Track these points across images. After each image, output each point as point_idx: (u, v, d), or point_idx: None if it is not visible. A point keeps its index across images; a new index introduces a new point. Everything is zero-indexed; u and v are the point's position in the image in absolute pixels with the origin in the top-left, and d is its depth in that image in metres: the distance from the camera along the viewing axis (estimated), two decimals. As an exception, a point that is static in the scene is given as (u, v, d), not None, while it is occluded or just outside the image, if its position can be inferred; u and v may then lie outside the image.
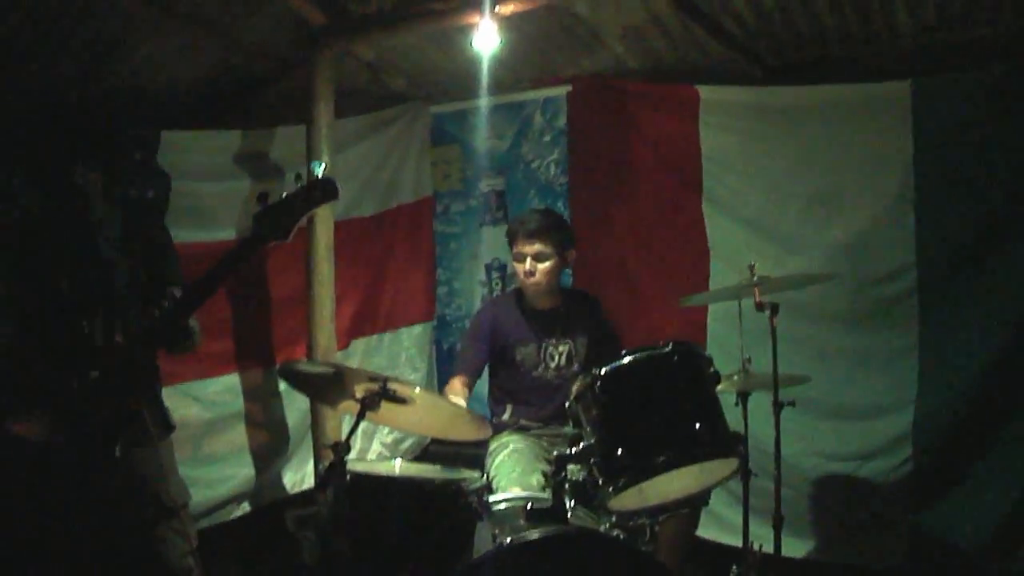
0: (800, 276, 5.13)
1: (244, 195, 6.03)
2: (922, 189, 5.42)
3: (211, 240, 5.71)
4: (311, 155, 5.86)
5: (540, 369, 5.12)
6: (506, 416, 5.07)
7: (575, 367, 5.10)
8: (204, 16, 5.45)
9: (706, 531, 5.44)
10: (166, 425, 4.14)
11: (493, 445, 4.94)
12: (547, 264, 5.02)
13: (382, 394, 3.72)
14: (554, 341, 5.13)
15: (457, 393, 5.02)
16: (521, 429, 5.03)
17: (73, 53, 5.29)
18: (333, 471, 3.68)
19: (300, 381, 4.39)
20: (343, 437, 3.73)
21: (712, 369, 3.84)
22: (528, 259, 5.02)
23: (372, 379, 3.73)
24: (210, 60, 5.96)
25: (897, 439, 5.52)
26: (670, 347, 3.75)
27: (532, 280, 5.05)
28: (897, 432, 5.52)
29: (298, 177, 3.75)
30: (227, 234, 5.87)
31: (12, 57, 5.11)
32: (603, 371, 3.68)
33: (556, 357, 5.13)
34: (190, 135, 5.84)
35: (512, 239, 5.13)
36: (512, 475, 4.61)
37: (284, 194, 3.62)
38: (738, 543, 4.90)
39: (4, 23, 4.87)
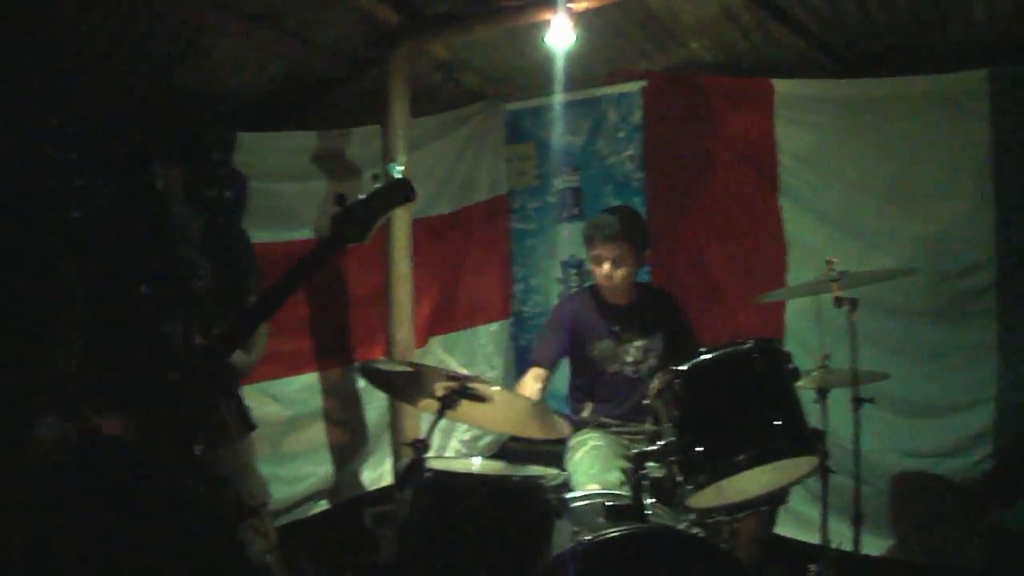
0: (879, 271, 5.06)
1: (320, 195, 6.07)
2: (1001, 181, 5.32)
3: (288, 240, 5.77)
4: (387, 154, 5.88)
5: (617, 365, 5.10)
6: (586, 413, 5.05)
7: (652, 363, 5.08)
8: (277, 17, 5.47)
9: (784, 529, 5.40)
10: (247, 424, 4.18)
11: (572, 442, 4.94)
12: (625, 269, 5.02)
13: (462, 392, 3.73)
14: (630, 337, 5.12)
15: (529, 387, 5.05)
16: (600, 426, 5.01)
17: (149, 55, 5.33)
18: (413, 469, 3.69)
19: (380, 379, 4.42)
20: (422, 434, 3.74)
21: (792, 365, 3.82)
22: (606, 263, 5.02)
23: (452, 378, 3.74)
24: (284, 61, 5.99)
25: (976, 436, 5.43)
26: (751, 344, 3.73)
27: (610, 283, 5.05)
28: (976, 429, 5.43)
29: (375, 178, 3.76)
30: (304, 234, 5.91)
31: (90, 58, 5.17)
32: (683, 368, 3.66)
33: (633, 353, 5.11)
34: (266, 136, 5.89)
35: (589, 242, 5.11)
36: (591, 472, 4.61)
37: (362, 195, 3.63)
38: (816, 541, 4.88)
39: (82, 25, 4.92)
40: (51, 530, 1.42)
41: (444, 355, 6.92)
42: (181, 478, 1.62)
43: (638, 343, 5.12)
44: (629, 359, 5.11)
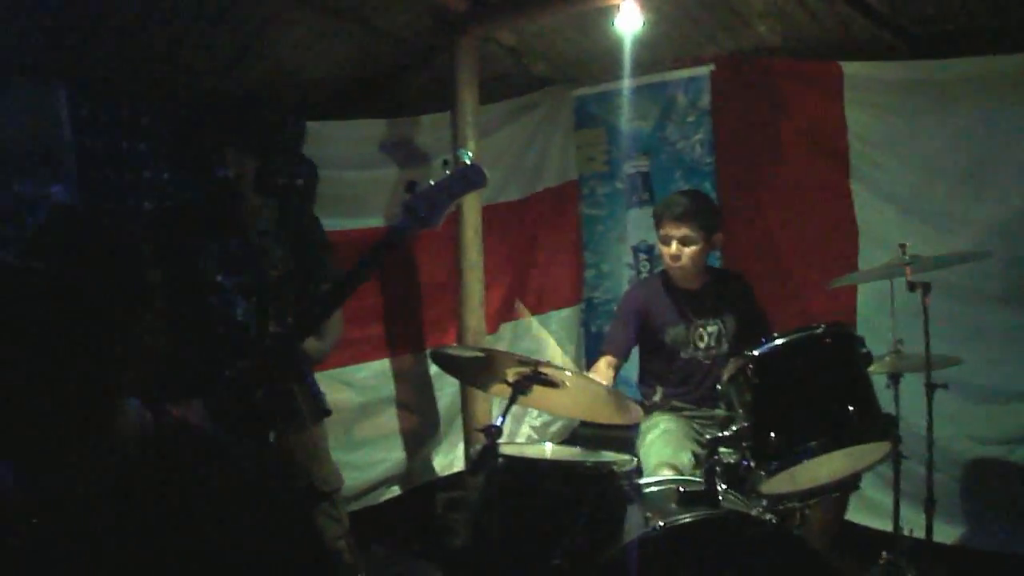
0: (952, 255, 5.00)
1: (390, 183, 6.10)
2: (1076, 164, 5.24)
3: (358, 228, 5.81)
4: (456, 142, 5.89)
5: (690, 350, 5.08)
6: (657, 397, 5.02)
7: (724, 347, 5.06)
8: (344, 6, 5.50)
9: (855, 515, 5.39)
10: (321, 411, 4.21)
11: (644, 426, 4.93)
12: (693, 248, 4.98)
13: (534, 378, 3.73)
14: (702, 322, 5.09)
15: (602, 373, 5.03)
16: (672, 410, 5.00)
17: (218, 44, 5.39)
18: (486, 454, 3.70)
19: (451, 365, 4.43)
20: (493, 420, 3.74)
21: (864, 350, 3.80)
22: (674, 242, 4.98)
23: (524, 363, 3.75)
24: (352, 49, 6.02)
25: (1051, 423, 5.37)
26: (823, 329, 3.72)
27: (678, 264, 5.01)
28: (1051, 416, 5.36)
29: (446, 164, 3.76)
30: (375, 221, 5.96)
31: (159, 48, 5.23)
32: (757, 353, 3.66)
33: (705, 338, 5.09)
34: (335, 124, 5.95)
35: (658, 222, 5.10)
36: (663, 455, 4.61)
37: (432, 182, 3.64)
38: (888, 528, 4.86)
39: (152, 15, 4.97)
40: (137, 518, 1.44)
41: (515, 341, 6.92)
42: (261, 464, 1.63)
43: (711, 328, 5.10)
44: (702, 344, 5.08)
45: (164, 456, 1.56)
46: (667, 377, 5.12)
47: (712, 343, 5.08)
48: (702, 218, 4.99)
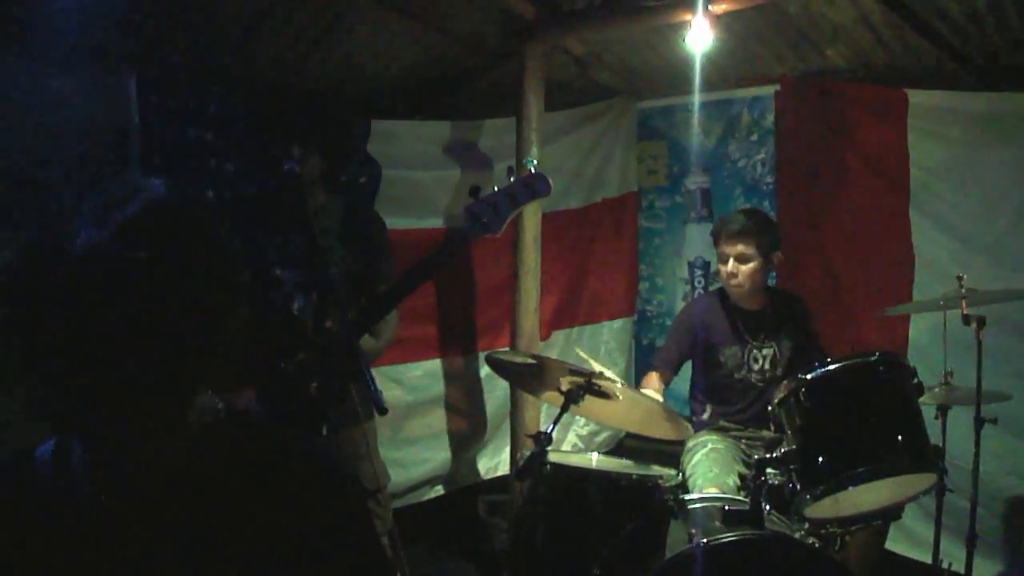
0: (1010, 290, 4.96)
1: (452, 184, 6.14)
2: None
3: (419, 228, 5.85)
4: (520, 147, 5.90)
5: (743, 371, 5.06)
6: (706, 416, 5.04)
7: (778, 371, 5.03)
8: (414, 6, 5.54)
9: (895, 544, 5.38)
10: (377, 408, 4.25)
11: (690, 443, 4.91)
12: (750, 266, 4.96)
13: (587, 388, 3.76)
14: (758, 344, 5.07)
15: (653, 387, 5.04)
16: (720, 429, 4.99)
17: (287, 40, 5.44)
18: (533, 460, 3.73)
19: (505, 370, 4.47)
20: (542, 427, 3.77)
21: (916, 380, 3.81)
22: (731, 260, 4.98)
23: (578, 373, 3.77)
24: (420, 50, 6.07)
25: (1097, 466, 5.32)
26: (877, 356, 3.72)
27: (735, 282, 5.00)
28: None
29: (511, 171, 3.78)
30: (435, 221, 6.00)
31: (229, 44, 5.29)
32: (809, 377, 3.67)
33: (760, 360, 5.07)
34: (400, 124, 6.00)
35: (716, 239, 5.09)
36: (709, 475, 4.59)
37: (497, 187, 3.66)
38: (927, 559, 4.85)
39: (222, 11, 5.03)
40: (203, 506, 1.47)
41: (567, 349, 6.94)
42: (322, 458, 1.67)
43: (766, 351, 5.07)
44: (756, 366, 5.06)
45: (232, 446, 1.60)
46: (718, 396, 5.12)
47: (767, 366, 5.06)
48: (759, 236, 4.98)
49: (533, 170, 3.74)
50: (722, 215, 5.66)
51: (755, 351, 5.07)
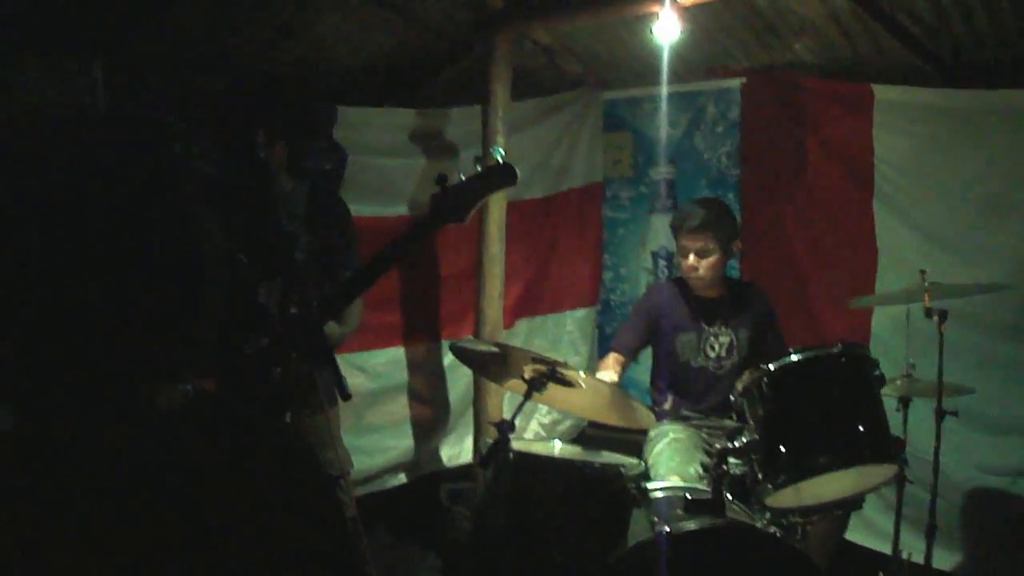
0: (971, 285, 5.02)
1: (418, 172, 6.14)
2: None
3: (384, 215, 5.85)
4: (486, 136, 5.91)
5: (700, 359, 5.07)
6: (667, 405, 5.05)
7: (735, 359, 5.05)
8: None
9: (855, 535, 5.42)
10: (341, 394, 4.24)
11: (653, 433, 4.93)
12: (711, 259, 5.00)
13: (550, 376, 3.77)
14: (714, 331, 5.09)
15: (609, 369, 5.09)
16: (682, 419, 5.01)
17: (256, 26, 5.43)
18: (497, 448, 3.74)
19: (469, 358, 4.47)
20: (505, 415, 3.78)
21: (878, 372, 3.83)
22: (691, 254, 5.01)
23: (541, 361, 3.79)
24: (388, 38, 6.07)
25: (1056, 459, 5.39)
26: (840, 348, 3.75)
27: (696, 275, 5.03)
28: (1057, 451, 5.39)
29: (477, 160, 3.79)
30: (401, 209, 6.00)
31: (197, 30, 5.27)
32: (772, 368, 3.69)
33: (716, 347, 5.09)
34: (368, 111, 5.99)
35: (676, 232, 5.12)
36: (671, 464, 4.62)
37: (463, 176, 3.67)
38: (886, 549, 4.91)
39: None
40: (172, 486, 1.47)
41: (530, 337, 6.98)
42: (290, 441, 1.67)
43: (723, 338, 5.09)
44: (712, 354, 5.08)
45: (204, 428, 1.60)
46: (677, 385, 5.14)
47: (723, 353, 5.08)
48: (719, 229, 5.01)
49: (500, 159, 3.75)
50: (680, 207, 5.71)
51: (711, 338, 5.08)
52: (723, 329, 5.11)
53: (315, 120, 5.48)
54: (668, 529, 3.35)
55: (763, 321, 5.20)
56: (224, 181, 4.31)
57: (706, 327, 5.10)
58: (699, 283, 5.09)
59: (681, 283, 5.27)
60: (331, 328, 4.01)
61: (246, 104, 4.22)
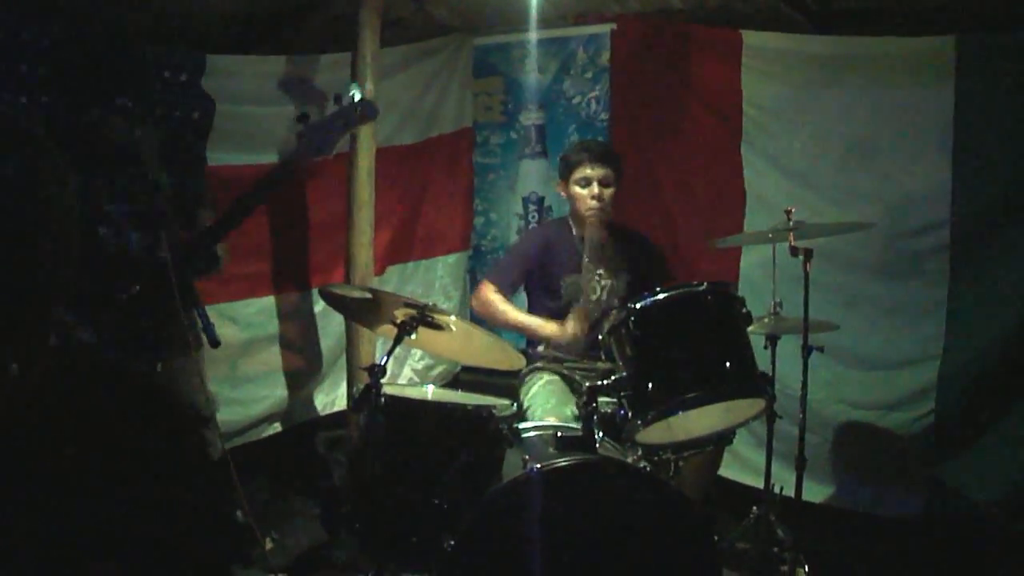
0: (835, 224, 5.13)
1: (289, 120, 6.03)
2: (960, 146, 5.40)
3: (256, 163, 5.76)
4: (356, 82, 5.84)
5: (581, 301, 5.05)
6: (541, 348, 5.07)
7: (614, 302, 5.07)
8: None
9: (728, 471, 5.54)
10: (209, 340, 4.22)
11: (527, 375, 4.98)
12: (611, 190, 5.06)
13: (420, 320, 3.80)
14: (598, 275, 5.12)
15: (500, 301, 5.15)
16: (556, 361, 5.04)
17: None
18: (368, 393, 3.75)
19: (340, 304, 4.47)
20: (378, 360, 3.80)
21: (744, 310, 3.89)
22: (595, 183, 5.04)
23: (412, 305, 3.80)
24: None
25: (921, 391, 5.56)
26: (704, 286, 3.80)
27: (599, 205, 5.05)
28: (921, 384, 5.55)
29: (337, 99, 3.82)
30: (272, 157, 5.91)
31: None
32: (638, 306, 3.73)
33: (597, 291, 5.12)
34: (235, 59, 5.88)
35: (575, 165, 5.12)
36: (547, 406, 4.66)
37: (326, 114, 3.69)
38: (759, 484, 5.03)
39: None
40: (47, 428, 1.46)
41: (401, 284, 6.97)
42: (153, 385, 1.68)
43: (604, 282, 5.13)
44: (593, 296, 5.10)
45: (73, 373, 1.60)
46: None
47: (604, 297, 5.11)
48: (616, 162, 5.09)
49: (357, 95, 3.77)
50: (576, 142, 5.74)
51: (593, 282, 5.11)
52: (607, 273, 5.15)
53: (177, 68, 5.40)
54: (539, 465, 3.39)
55: (648, 270, 5.23)
56: (79, 131, 4.24)
57: (591, 269, 5.10)
58: (598, 218, 5.08)
59: (565, 225, 5.30)
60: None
61: (91, 55, 4.17)
